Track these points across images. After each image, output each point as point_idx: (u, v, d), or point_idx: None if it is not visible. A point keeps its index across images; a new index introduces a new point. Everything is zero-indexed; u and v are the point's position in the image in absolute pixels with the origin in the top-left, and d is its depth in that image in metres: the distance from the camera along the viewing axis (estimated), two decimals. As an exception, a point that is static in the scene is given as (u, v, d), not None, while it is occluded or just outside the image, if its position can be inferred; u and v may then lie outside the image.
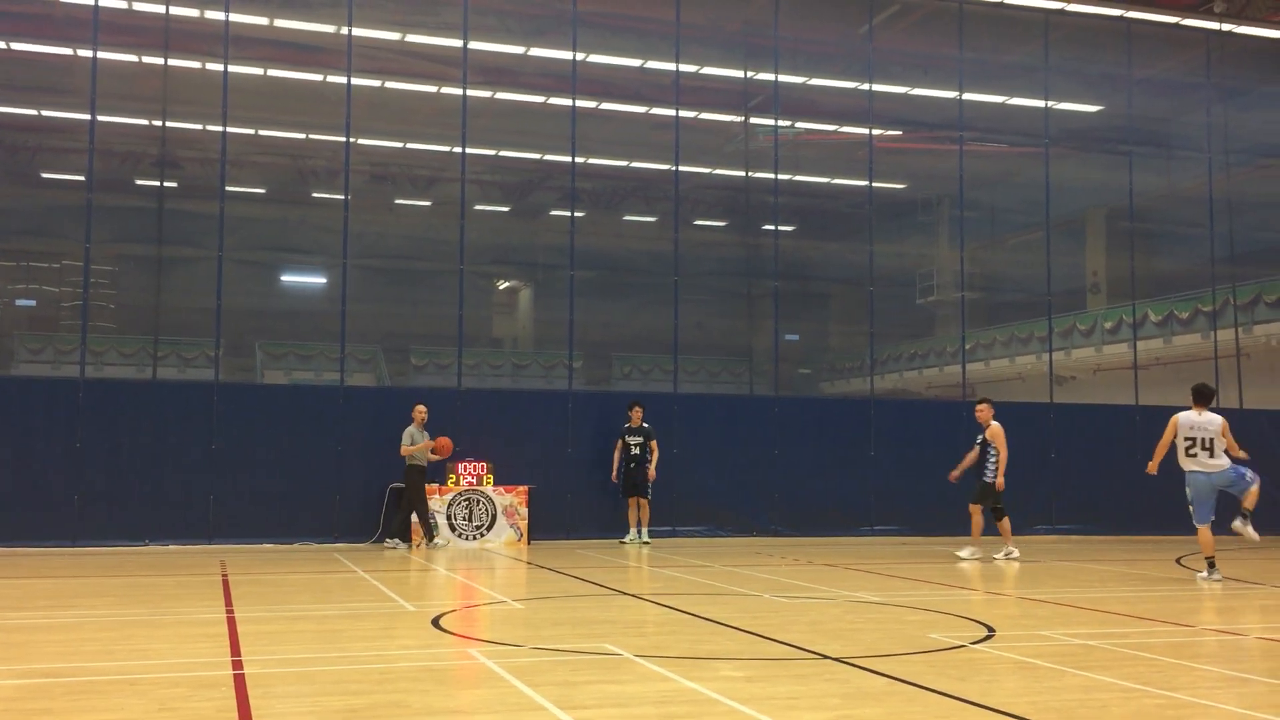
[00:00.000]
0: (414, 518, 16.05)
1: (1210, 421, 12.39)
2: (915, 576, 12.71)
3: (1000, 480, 14.93)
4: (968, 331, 24.45)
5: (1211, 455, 12.34)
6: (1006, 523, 15.23)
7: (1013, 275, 28.38)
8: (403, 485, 16.19)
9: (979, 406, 15.59)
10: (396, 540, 16.00)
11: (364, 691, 6.03)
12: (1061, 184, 21.81)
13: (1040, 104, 21.58)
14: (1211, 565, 12.45)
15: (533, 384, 31.09)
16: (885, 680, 6.43)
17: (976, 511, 15.24)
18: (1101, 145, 22.81)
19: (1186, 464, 12.43)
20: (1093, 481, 19.87)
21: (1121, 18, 22.03)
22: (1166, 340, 26.39)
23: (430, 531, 16.05)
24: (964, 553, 15.03)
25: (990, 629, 8.44)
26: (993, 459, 15.01)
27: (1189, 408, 12.70)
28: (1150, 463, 12.90)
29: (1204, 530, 12.46)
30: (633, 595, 10.68)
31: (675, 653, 7.37)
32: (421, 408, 16.18)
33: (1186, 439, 12.40)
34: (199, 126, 21.89)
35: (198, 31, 18.69)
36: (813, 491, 18.70)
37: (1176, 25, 22.38)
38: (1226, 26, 22.65)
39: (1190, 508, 12.50)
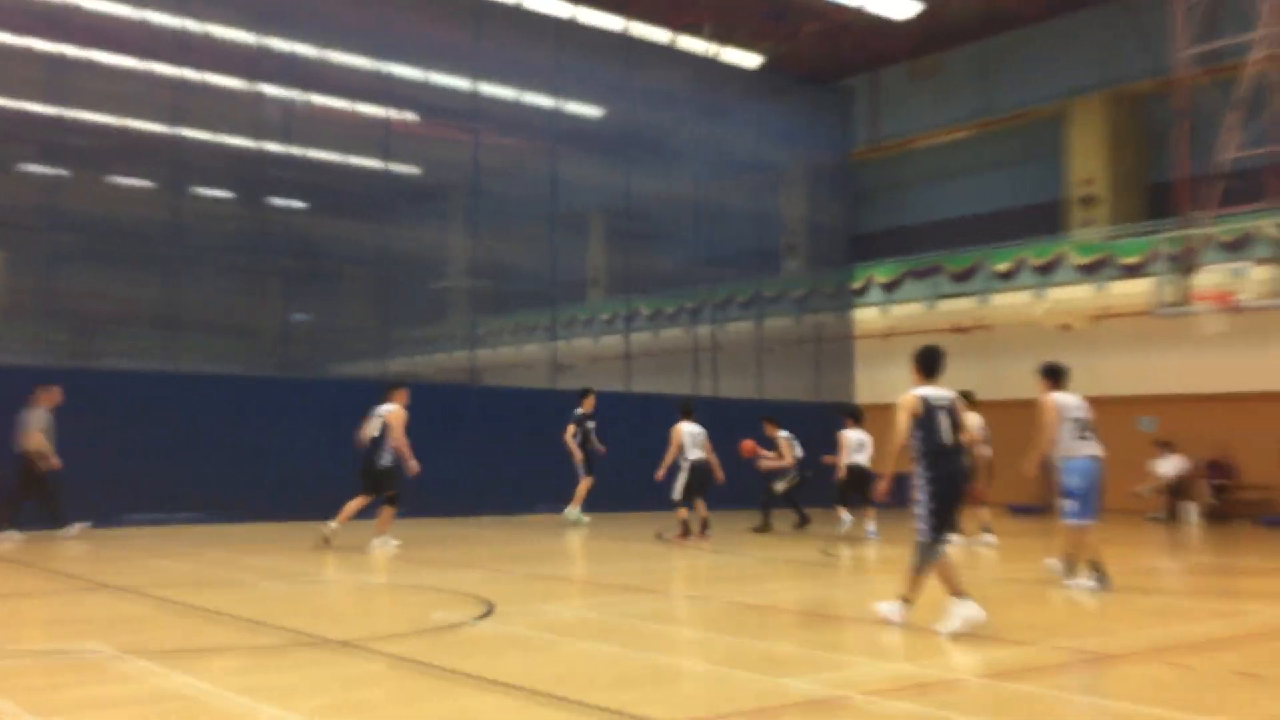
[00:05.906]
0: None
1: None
2: (422, 558, 12.89)
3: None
4: (478, 318, 25.12)
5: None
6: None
7: (521, 266, 29.52)
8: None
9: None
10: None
11: None
12: (568, 181, 23.01)
13: (551, 103, 22.64)
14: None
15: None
16: (388, 660, 6.49)
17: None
18: (604, 148, 24.33)
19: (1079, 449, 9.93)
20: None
21: (624, 32, 23.66)
22: (655, 333, 28.72)
23: (62, 519, 14.88)
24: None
25: (490, 605, 8.77)
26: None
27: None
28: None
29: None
30: (117, 588, 9.90)
31: (167, 647, 6.95)
32: (54, 389, 14.62)
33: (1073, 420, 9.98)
34: None
35: None
36: (316, 474, 18.26)
37: (671, 44, 24.41)
38: (713, 49, 25.07)
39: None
